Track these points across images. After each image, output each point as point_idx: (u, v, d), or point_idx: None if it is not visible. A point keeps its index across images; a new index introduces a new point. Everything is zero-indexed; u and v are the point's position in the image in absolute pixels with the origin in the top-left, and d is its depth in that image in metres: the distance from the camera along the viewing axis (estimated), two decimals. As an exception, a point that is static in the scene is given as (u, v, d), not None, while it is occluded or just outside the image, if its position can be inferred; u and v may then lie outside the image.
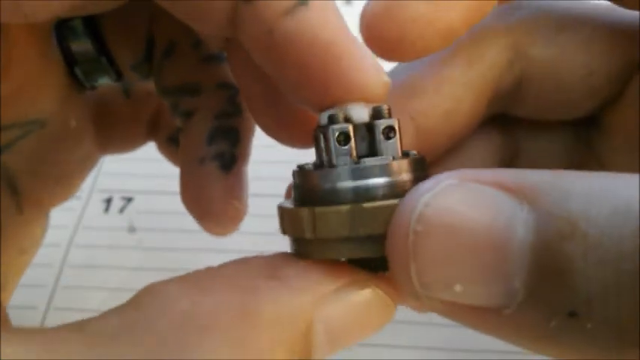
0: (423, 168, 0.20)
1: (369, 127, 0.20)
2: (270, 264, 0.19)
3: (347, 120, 0.20)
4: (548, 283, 0.15)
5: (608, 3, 0.25)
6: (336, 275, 0.19)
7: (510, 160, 0.28)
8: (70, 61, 0.27)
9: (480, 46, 0.25)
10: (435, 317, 0.18)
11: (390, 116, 0.20)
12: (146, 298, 0.18)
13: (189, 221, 0.28)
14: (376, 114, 0.20)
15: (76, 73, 0.27)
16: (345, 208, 0.19)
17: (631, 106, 0.25)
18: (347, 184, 0.19)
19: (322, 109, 0.20)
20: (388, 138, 0.20)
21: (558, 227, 0.15)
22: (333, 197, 0.19)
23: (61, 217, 0.31)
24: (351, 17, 0.22)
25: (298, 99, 0.21)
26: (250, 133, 0.29)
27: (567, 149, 0.28)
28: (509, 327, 0.16)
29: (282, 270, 0.19)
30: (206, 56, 0.21)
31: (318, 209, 0.19)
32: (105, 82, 0.28)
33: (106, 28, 0.27)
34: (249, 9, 0.20)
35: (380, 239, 0.18)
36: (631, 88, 0.25)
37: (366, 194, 0.19)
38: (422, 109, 0.24)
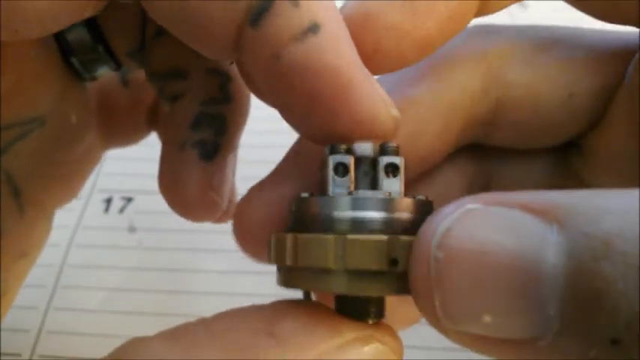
0: (428, 211, 0.18)
1: (374, 163, 0.19)
2: (267, 317, 0.18)
3: (349, 152, 0.19)
4: (586, 308, 0.14)
5: (587, 25, 0.24)
6: (338, 330, 0.18)
7: (483, 187, 0.27)
8: (66, 51, 0.26)
9: (451, 69, 0.24)
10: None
11: (397, 154, 0.19)
12: (131, 353, 0.17)
13: (189, 221, 0.28)
14: (382, 150, 0.19)
15: (73, 63, 0.27)
16: (329, 237, 0.17)
17: (614, 128, 0.24)
18: (339, 213, 0.18)
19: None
20: (390, 176, 0.19)
21: (592, 247, 0.14)
22: (322, 226, 0.18)
23: (61, 217, 0.30)
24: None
25: (303, 131, 0.21)
26: (239, 123, 0.28)
27: (545, 174, 0.26)
28: None
29: (279, 325, 0.18)
30: None
31: (301, 236, 0.18)
32: (104, 71, 0.28)
33: (101, 15, 0.26)
34: (255, 32, 0.19)
35: (367, 276, 0.17)
36: (613, 109, 0.24)
37: (359, 227, 0.18)
38: None
